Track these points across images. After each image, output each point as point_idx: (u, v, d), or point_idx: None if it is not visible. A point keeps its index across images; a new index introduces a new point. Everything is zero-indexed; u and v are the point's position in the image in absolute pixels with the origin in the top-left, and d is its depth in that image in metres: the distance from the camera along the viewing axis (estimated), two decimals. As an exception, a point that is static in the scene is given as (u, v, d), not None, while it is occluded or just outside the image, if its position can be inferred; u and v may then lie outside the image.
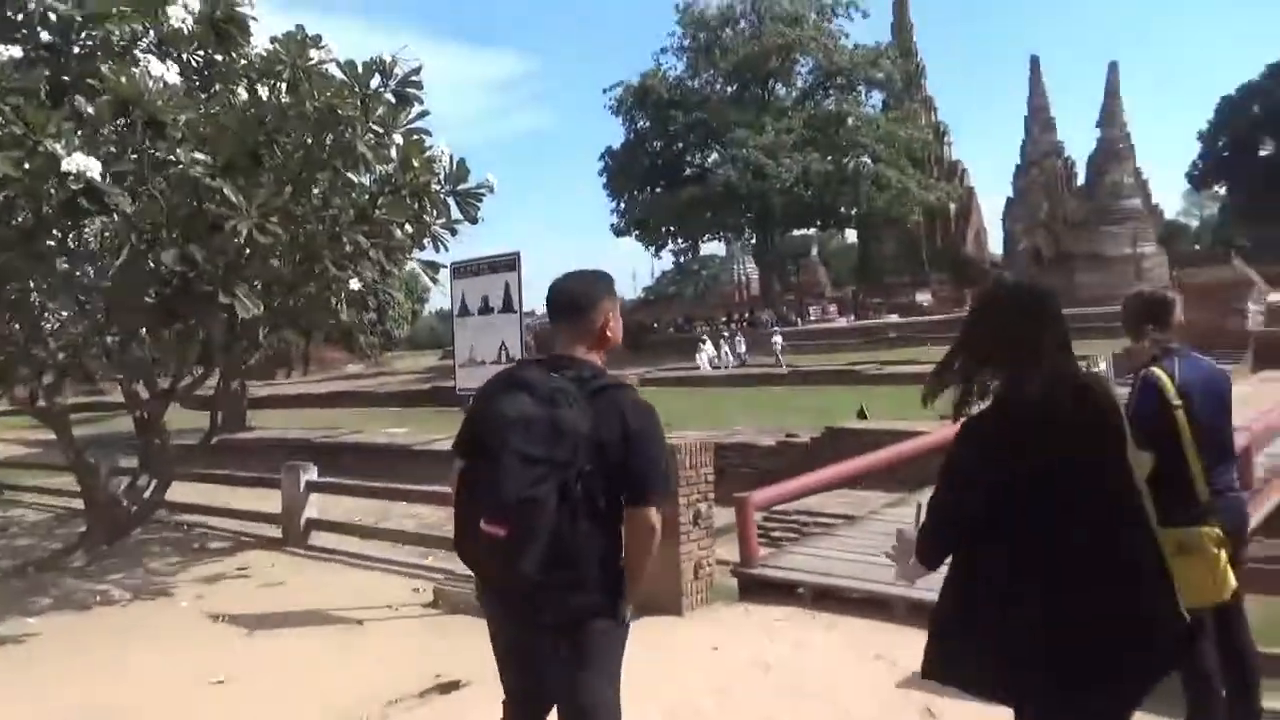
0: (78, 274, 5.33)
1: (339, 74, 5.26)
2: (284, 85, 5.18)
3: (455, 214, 6.05)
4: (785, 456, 9.87)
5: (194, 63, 5.65)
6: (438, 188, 5.92)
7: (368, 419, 23.70)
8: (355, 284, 5.34)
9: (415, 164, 5.74)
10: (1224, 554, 2.65)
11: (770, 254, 52.79)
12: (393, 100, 5.49)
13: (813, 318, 50.28)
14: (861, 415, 11.01)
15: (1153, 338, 3.07)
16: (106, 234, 5.25)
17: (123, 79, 4.34)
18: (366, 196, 5.74)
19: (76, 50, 4.90)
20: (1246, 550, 2.73)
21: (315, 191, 5.54)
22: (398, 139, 5.46)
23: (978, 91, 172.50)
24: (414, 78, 5.44)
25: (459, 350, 4.86)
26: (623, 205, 50.11)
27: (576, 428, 2.10)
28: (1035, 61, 65.42)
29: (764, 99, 48.29)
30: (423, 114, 5.65)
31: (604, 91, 49.91)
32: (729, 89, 48.96)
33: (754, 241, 53.46)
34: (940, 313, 46.56)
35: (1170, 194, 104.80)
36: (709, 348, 33.70)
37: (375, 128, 5.41)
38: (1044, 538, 1.85)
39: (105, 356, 6.55)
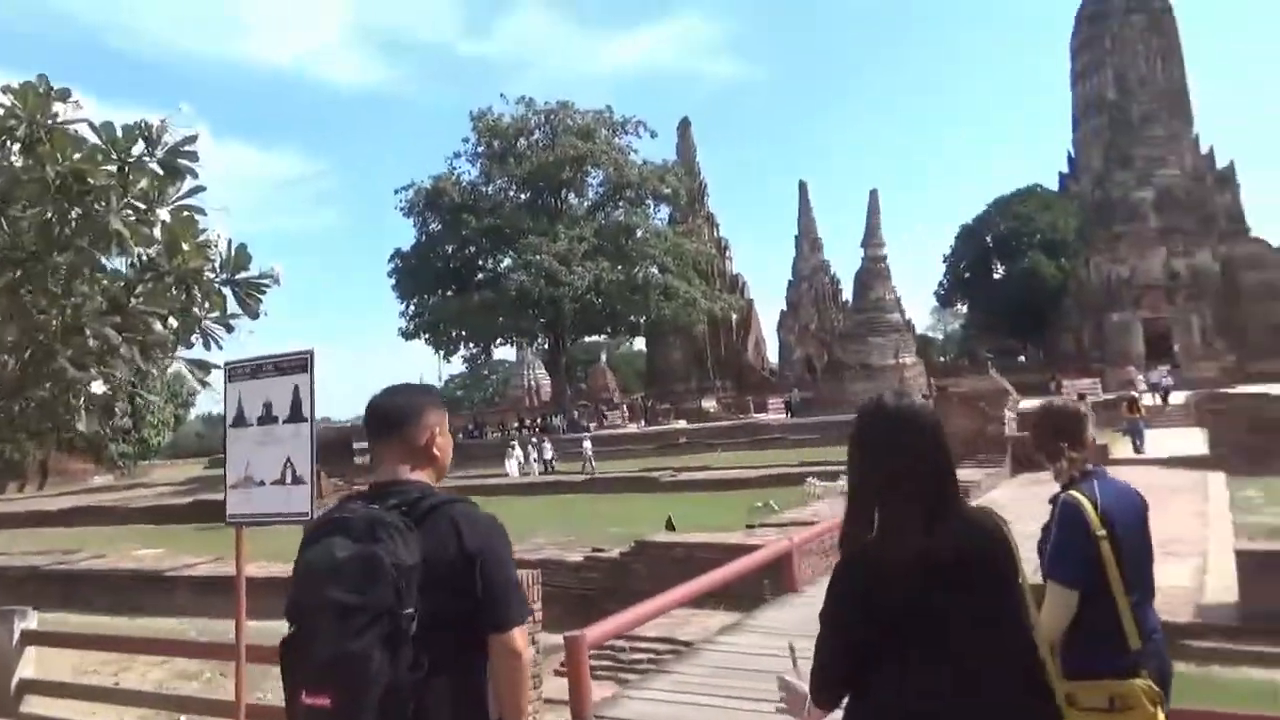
0: None
1: (92, 136, 4.39)
2: (18, 145, 4.25)
3: (232, 307, 5.19)
4: (595, 572, 9.30)
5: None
6: (211, 275, 5.07)
7: (115, 538, 20.90)
8: (99, 386, 4.36)
9: (185, 247, 4.89)
10: (1161, 712, 2.32)
11: (562, 359, 52.93)
12: (159, 171, 4.65)
13: (606, 423, 50.52)
14: (669, 527, 10.70)
15: (1069, 457, 2.81)
16: None
17: None
18: (121, 284, 4.81)
19: None
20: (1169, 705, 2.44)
21: (53, 276, 4.57)
22: (164, 216, 4.61)
23: (752, 210, 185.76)
24: (187, 147, 4.64)
25: (232, 468, 4.01)
26: (412, 308, 48.85)
27: (400, 561, 1.79)
28: (804, 186, 71.25)
29: (556, 208, 49.21)
30: (196, 189, 4.83)
31: (396, 193, 49.20)
32: (522, 196, 49.55)
33: (545, 347, 53.51)
34: (725, 419, 48.10)
35: (919, 310, 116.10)
36: (518, 453, 32.77)
37: (135, 202, 4.55)
38: (917, 675, 1.80)
39: None
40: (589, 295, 43.69)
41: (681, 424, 46.26)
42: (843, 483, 16.25)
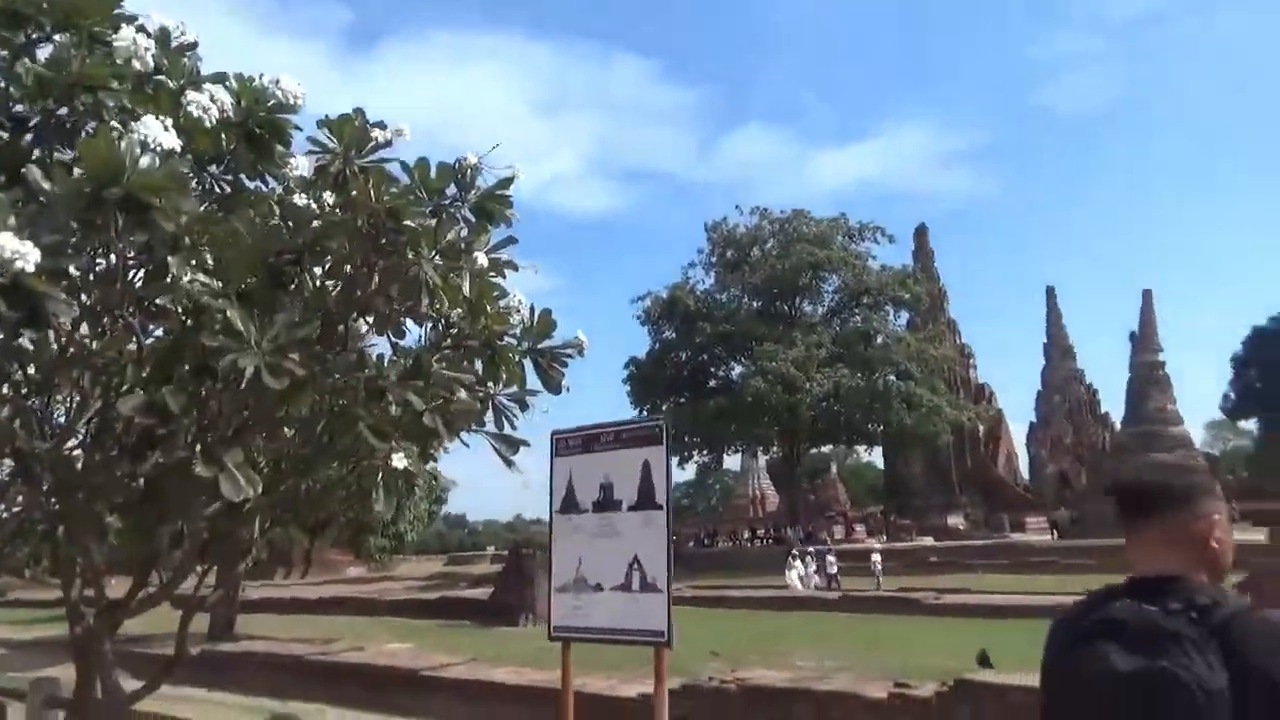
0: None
1: (402, 175, 3.86)
2: (329, 184, 3.78)
3: (529, 380, 4.48)
4: (904, 716, 7.79)
5: (219, 188, 4.33)
6: (512, 341, 4.39)
7: (368, 629, 21.35)
8: (400, 461, 3.70)
9: (489, 308, 4.25)
10: None
11: (797, 469, 51.19)
12: (471, 219, 4.06)
13: (838, 537, 47.92)
14: (985, 663, 8.98)
15: None
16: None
17: (101, 143, 2.95)
18: (426, 343, 4.21)
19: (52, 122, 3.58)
20: None
21: (353, 336, 4.03)
22: (478, 265, 3.97)
23: (995, 322, 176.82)
24: (502, 191, 4.04)
25: (560, 565, 3.15)
26: (646, 415, 49.14)
27: (1204, 684, 1.40)
28: (1051, 291, 66.69)
29: (791, 315, 48.40)
30: (509, 241, 4.22)
31: (632, 302, 50.31)
32: (756, 304, 49.20)
33: (780, 455, 52.03)
34: (976, 537, 44.24)
35: (1191, 427, 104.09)
36: (799, 565, 30.98)
37: (445, 253, 3.96)
38: None
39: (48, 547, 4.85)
40: (827, 402, 42.05)
41: (929, 540, 42.91)
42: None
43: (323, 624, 23.53)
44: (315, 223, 3.79)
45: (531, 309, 4.48)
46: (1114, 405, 64.00)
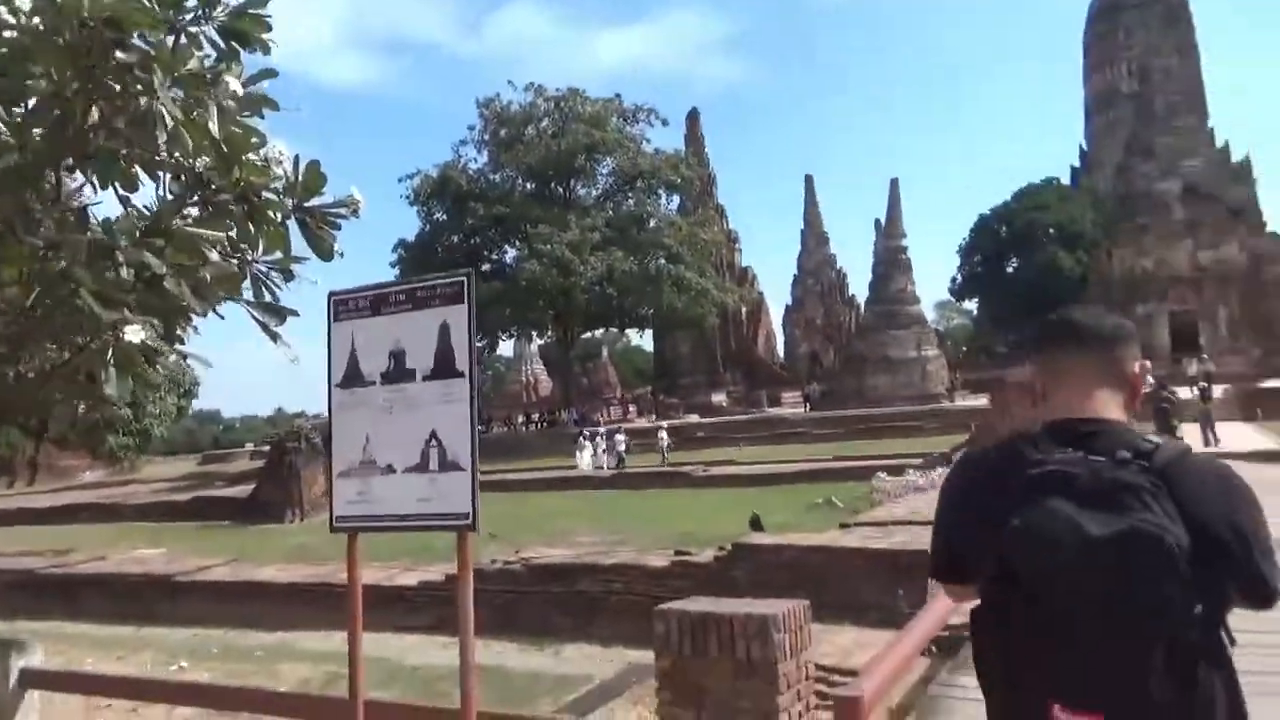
0: None
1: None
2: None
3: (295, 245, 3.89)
4: (684, 580, 8.05)
5: None
6: (273, 198, 3.77)
7: (114, 538, 19.59)
8: (135, 334, 3.07)
9: (243, 157, 3.60)
10: None
11: (571, 353, 51.72)
12: (219, 42, 3.36)
13: (612, 418, 49.36)
14: (757, 526, 9.45)
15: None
16: None
17: None
18: (166, 197, 3.52)
19: None
20: None
21: (72, 177, 3.29)
22: (225, 104, 3.30)
23: (756, 206, 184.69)
24: (257, 10, 3.35)
25: (341, 447, 2.74)
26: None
27: (1180, 543, 1.32)
28: (809, 180, 70.17)
29: (566, 197, 47.94)
30: (266, 74, 3.56)
31: (400, 180, 47.85)
32: (530, 185, 48.24)
33: (553, 340, 52.28)
34: (739, 413, 46.96)
35: (926, 306, 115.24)
36: (590, 446, 31.13)
37: (185, 85, 3.26)
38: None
39: None
40: (601, 286, 42.41)
41: (694, 418, 45.06)
42: (912, 476, 15.02)
43: (60, 534, 21.37)
44: (8, 34, 2.99)
45: (296, 161, 3.84)
46: (862, 288, 69.63)
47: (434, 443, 2.51)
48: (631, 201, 48.16)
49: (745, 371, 58.81)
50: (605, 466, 29.80)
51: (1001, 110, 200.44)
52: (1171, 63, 53.64)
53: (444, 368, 2.52)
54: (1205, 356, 38.36)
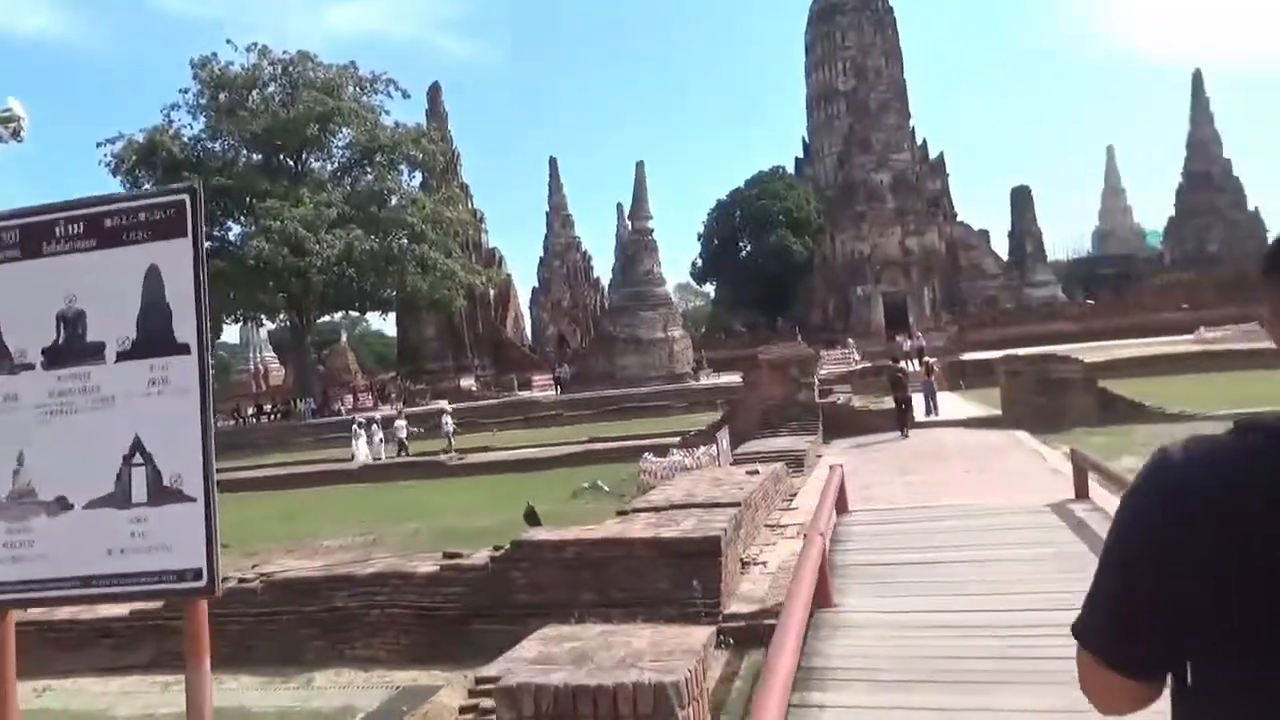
0: None
1: None
2: None
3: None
4: (457, 586, 7.17)
5: None
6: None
7: None
8: None
9: None
10: None
11: (308, 338, 48.19)
12: None
13: (349, 407, 46.68)
14: (532, 519, 8.70)
15: None
16: None
17: None
18: None
19: None
20: None
21: None
22: None
23: (501, 188, 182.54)
24: None
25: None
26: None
27: None
28: (554, 162, 70.10)
29: (298, 170, 44.41)
30: None
31: (99, 145, 42.08)
32: (256, 156, 44.20)
33: (286, 324, 48.45)
34: (489, 397, 45.93)
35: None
36: (364, 435, 28.24)
37: None
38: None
39: None
40: (339, 266, 39.66)
41: (443, 404, 43.45)
42: (677, 456, 14.92)
43: None
44: None
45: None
46: (607, 270, 70.59)
47: (140, 459, 1.56)
48: (371, 177, 45.46)
49: (494, 355, 57.70)
50: (382, 456, 27.63)
51: (739, 97, 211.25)
52: (881, 64, 58.61)
53: (154, 338, 1.58)
54: (918, 333, 42.27)
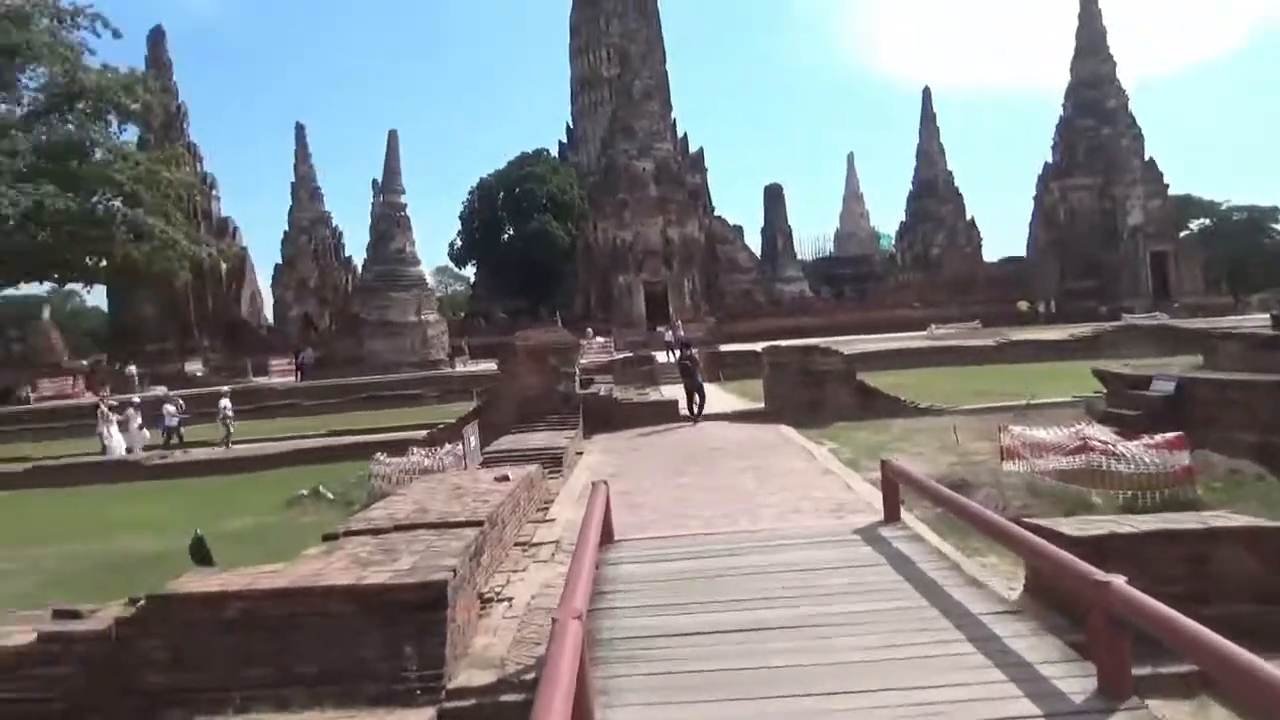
0: None
1: None
2: None
3: None
4: (62, 666, 4.95)
5: None
6: None
7: None
8: None
9: None
10: None
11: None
12: None
13: (47, 393, 40.27)
14: (200, 556, 6.49)
15: None
16: None
17: None
18: None
19: None
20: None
21: None
22: None
23: (245, 152, 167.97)
24: None
25: None
26: None
27: None
28: (301, 129, 64.62)
29: (-22, 112, 37.39)
30: None
31: None
32: (-83, 91, 36.73)
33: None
34: (216, 382, 41.08)
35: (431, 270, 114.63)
36: (115, 421, 22.85)
37: None
38: None
39: None
40: (26, 228, 33.64)
41: (162, 390, 38.25)
42: (417, 456, 12.92)
43: None
44: None
45: None
46: (363, 250, 65.92)
47: None
48: (71, 126, 39.07)
49: (226, 336, 52.02)
50: (136, 448, 22.91)
51: (504, 77, 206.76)
52: (645, 52, 58.50)
53: None
54: (679, 323, 42.27)
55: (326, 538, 7.23)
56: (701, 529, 8.32)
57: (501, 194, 61.44)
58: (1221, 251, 60.96)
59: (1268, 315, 42.36)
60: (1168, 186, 56.05)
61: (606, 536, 7.05)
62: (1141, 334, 35.66)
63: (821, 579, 5.95)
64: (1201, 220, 72.16)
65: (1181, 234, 58.33)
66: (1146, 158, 55.68)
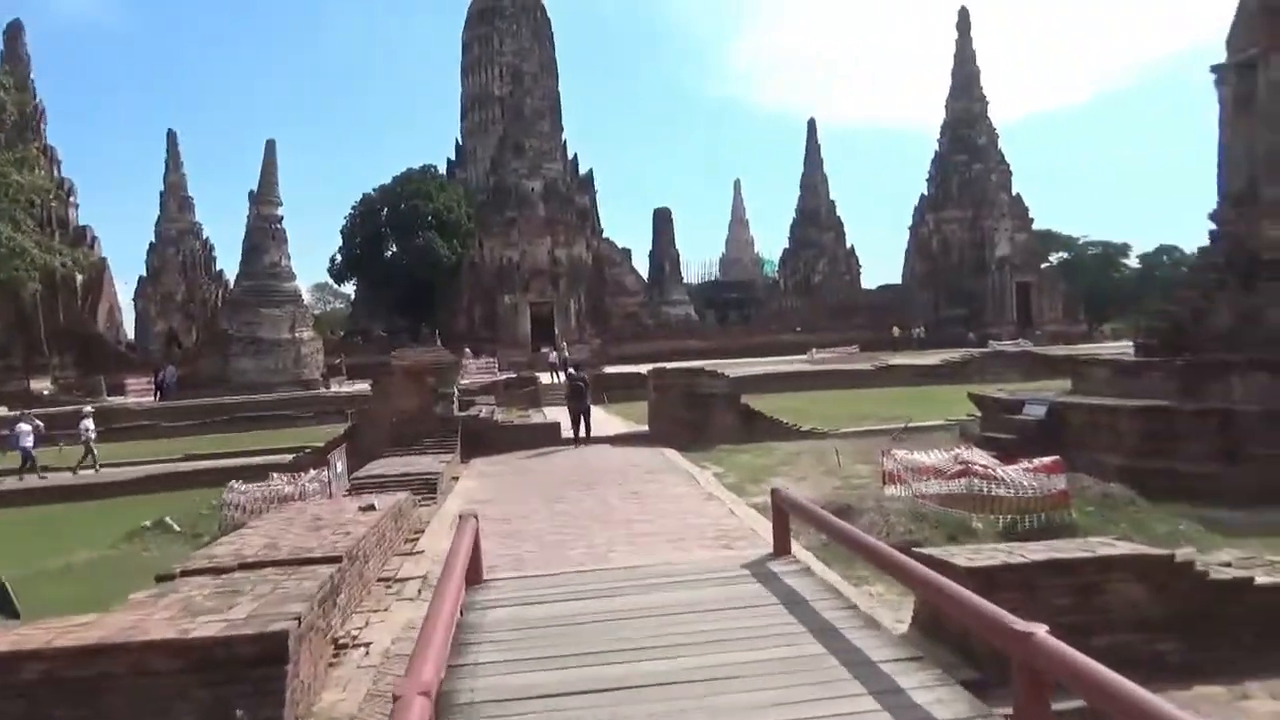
0: None
1: None
2: None
3: None
4: None
5: None
6: None
7: None
8: None
9: None
10: None
11: None
12: None
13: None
14: (2, 604, 5.63)
15: None
16: None
17: None
18: None
19: None
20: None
21: None
22: None
23: (108, 159, 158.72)
24: None
25: None
26: None
27: None
28: (173, 136, 61.54)
29: None
30: None
31: None
32: None
33: None
34: (68, 402, 38.22)
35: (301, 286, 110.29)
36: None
37: None
38: None
39: None
40: None
41: (2, 411, 35.25)
42: (278, 483, 11.99)
43: None
44: None
45: None
46: (235, 263, 62.82)
47: None
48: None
49: (79, 352, 48.54)
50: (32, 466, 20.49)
51: (393, 90, 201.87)
52: (538, 72, 58.17)
53: None
54: (564, 345, 41.77)
55: (160, 579, 6.46)
56: (581, 559, 7.88)
57: (386, 209, 59.71)
58: (1078, 283, 64.58)
59: (1122, 342, 44.87)
60: (1032, 221, 59.23)
61: (475, 576, 6.48)
62: (1007, 359, 37.36)
63: (707, 623, 5.47)
64: (1061, 254, 76.39)
65: (1043, 265, 61.55)
66: (1014, 193, 58.68)
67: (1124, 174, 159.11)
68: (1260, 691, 5.24)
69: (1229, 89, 15.02)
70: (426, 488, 12.12)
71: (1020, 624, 3.41)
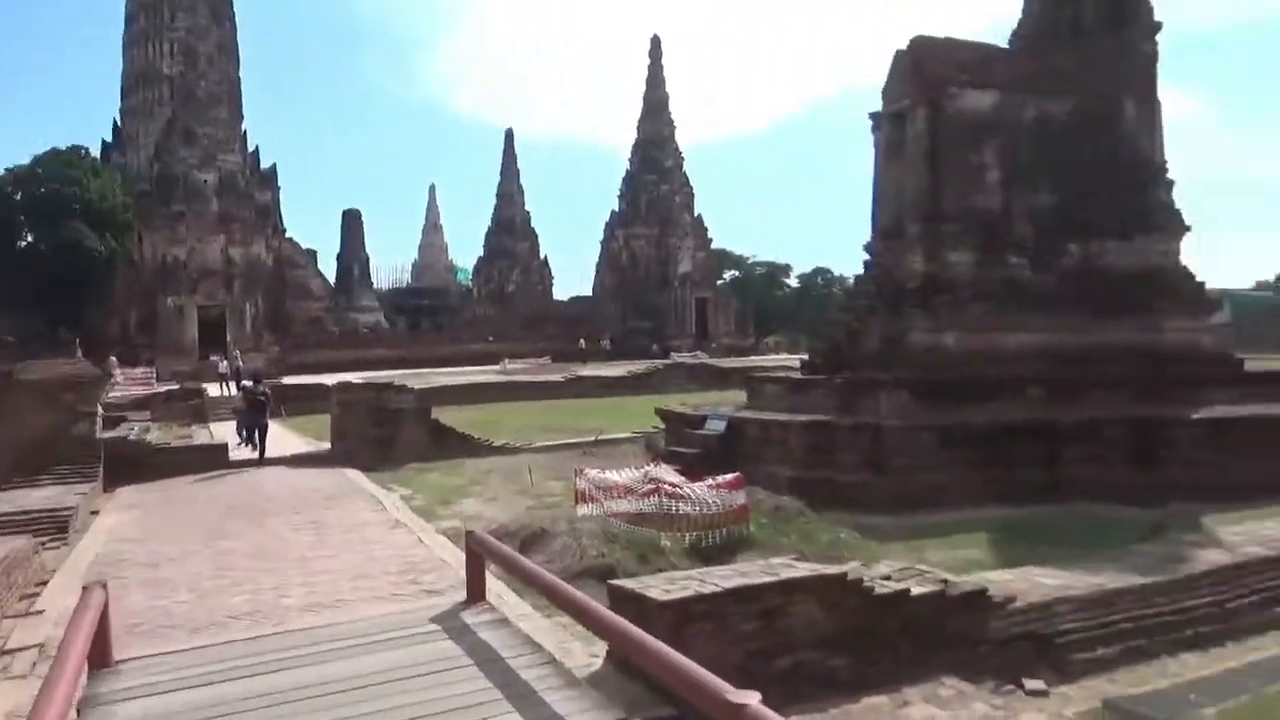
0: None
1: None
2: None
3: None
4: None
5: None
6: None
7: None
8: None
9: None
10: None
11: None
12: None
13: None
14: None
15: None
16: None
17: None
18: None
19: None
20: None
21: None
22: None
23: None
24: None
25: None
26: None
27: None
28: None
29: None
30: None
31: None
32: None
33: None
34: None
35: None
36: None
37: None
38: None
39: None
40: None
41: None
42: None
43: None
44: None
45: None
46: None
47: None
48: None
49: None
50: None
51: (39, 58, 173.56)
52: (215, 53, 53.02)
53: None
54: (237, 353, 38.26)
55: None
56: (246, 608, 6.96)
57: (21, 194, 51.42)
58: (747, 299, 70.39)
59: (783, 355, 49.14)
60: (711, 240, 63.68)
61: (101, 658, 5.35)
62: (686, 370, 39.97)
63: (387, 700, 4.78)
64: (732, 271, 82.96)
65: (718, 282, 66.39)
66: (696, 214, 62.72)
67: (790, 199, 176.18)
68: (917, 697, 5.67)
69: (883, 135, 16.87)
70: (55, 527, 10.31)
71: (734, 693, 3.27)
